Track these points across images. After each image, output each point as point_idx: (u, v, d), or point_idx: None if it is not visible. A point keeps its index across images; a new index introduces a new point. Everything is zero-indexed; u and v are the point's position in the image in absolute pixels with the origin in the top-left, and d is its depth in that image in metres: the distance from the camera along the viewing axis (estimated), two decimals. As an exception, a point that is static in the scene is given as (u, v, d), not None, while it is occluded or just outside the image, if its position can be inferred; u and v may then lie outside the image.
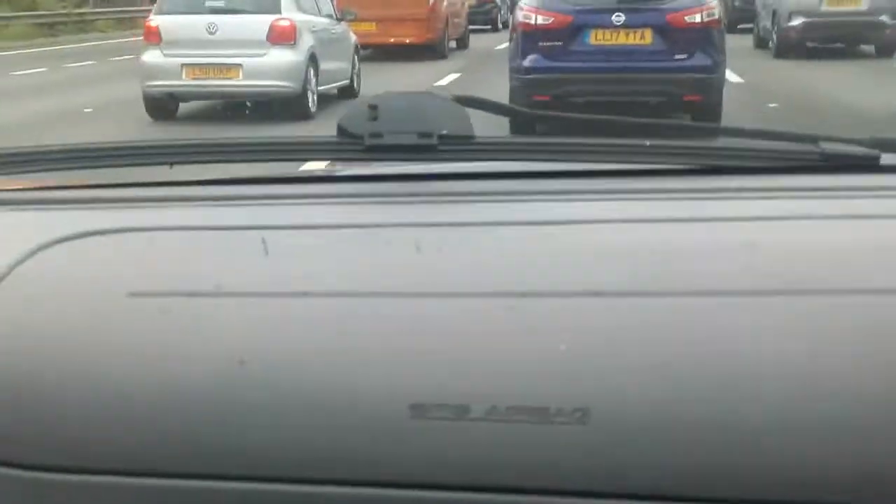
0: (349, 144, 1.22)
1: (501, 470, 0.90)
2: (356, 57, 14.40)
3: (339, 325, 0.97)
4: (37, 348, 0.98)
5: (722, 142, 1.35)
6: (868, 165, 1.23)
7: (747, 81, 13.84)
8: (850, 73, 15.79)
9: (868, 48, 18.65)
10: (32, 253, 1.06)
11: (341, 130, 1.22)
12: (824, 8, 18.25)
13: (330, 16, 13.74)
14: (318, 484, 0.93)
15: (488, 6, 30.97)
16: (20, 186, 1.32)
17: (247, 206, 1.22)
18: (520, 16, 10.20)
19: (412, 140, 1.19)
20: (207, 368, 0.95)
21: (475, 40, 25.03)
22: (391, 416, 0.91)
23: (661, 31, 9.65)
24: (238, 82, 11.81)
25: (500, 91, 10.86)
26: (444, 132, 1.19)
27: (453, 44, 22.46)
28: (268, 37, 11.85)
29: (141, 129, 11.32)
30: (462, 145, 1.21)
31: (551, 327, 0.94)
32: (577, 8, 9.80)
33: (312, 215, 1.20)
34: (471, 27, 26.12)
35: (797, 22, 18.32)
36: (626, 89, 9.74)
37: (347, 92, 13.75)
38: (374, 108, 1.20)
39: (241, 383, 0.94)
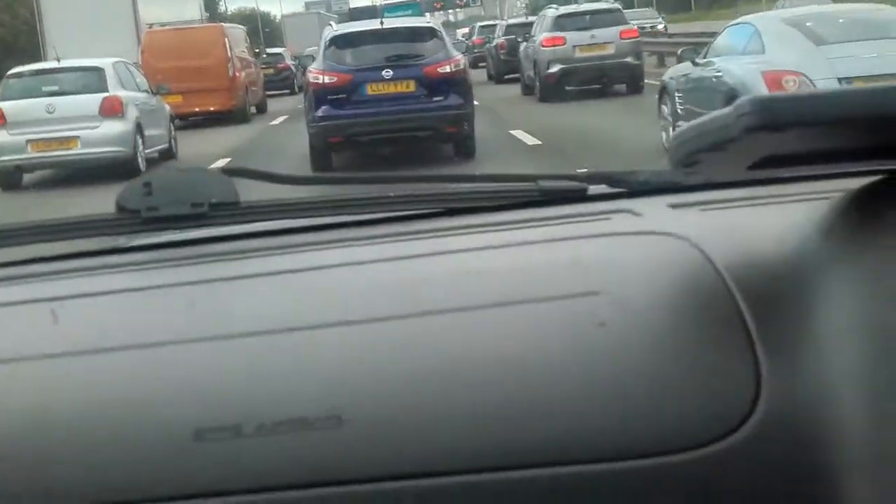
0: (128, 219, 1.37)
1: (272, 475, 1.02)
2: (172, 125, 16.87)
3: (129, 372, 1.11)
4: None
5: (462, 187, 1.57)
6: (577, 197, 1.48)
7: (544, 143, 14.40)
8: (612, 111, 18.12)
9: (620, 87, 21.53)
10: None
11: (119, 206, 1.36)
12: (578, 55, 20.89)
13: (146, 91, 16.10)
14: None
15: (285, 73, 34.90)
16: None
17: (38, 282, 1.36)
18: (310, 77, 12.90)
19: (186, 210, 1.35)
20: (19, 418, 1.07)
21: (276, 103, 27.75)
22: (178, 440, 1.03)
23: (421, 80, 12.47)
24: (77, 151, 14.13)
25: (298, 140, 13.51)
26: (214, 200, 1.36)
27: (254, 109, 24.85)
28: (100, 111, 14.20)
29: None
30: (230, 211, 1.38)
31: (315, 354, 1.10)
32: (354, 67, 12.52)
33: (98, 284, 1.34)
34: (271, 92, 29.47)
35: (555, 69, 20.88)
36: (400, 126, 12.41)
37: (167, 154, 16.16)
38: (147, 184, 1.36)
39: (48, 428, 1.06)
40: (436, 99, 12.45)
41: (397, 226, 1.44)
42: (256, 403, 1.05)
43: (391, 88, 12.48)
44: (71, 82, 14.68)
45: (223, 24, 26.33)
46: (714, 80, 10.90)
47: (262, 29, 70.02)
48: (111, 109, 14.24)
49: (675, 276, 1.19)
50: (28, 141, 13.98)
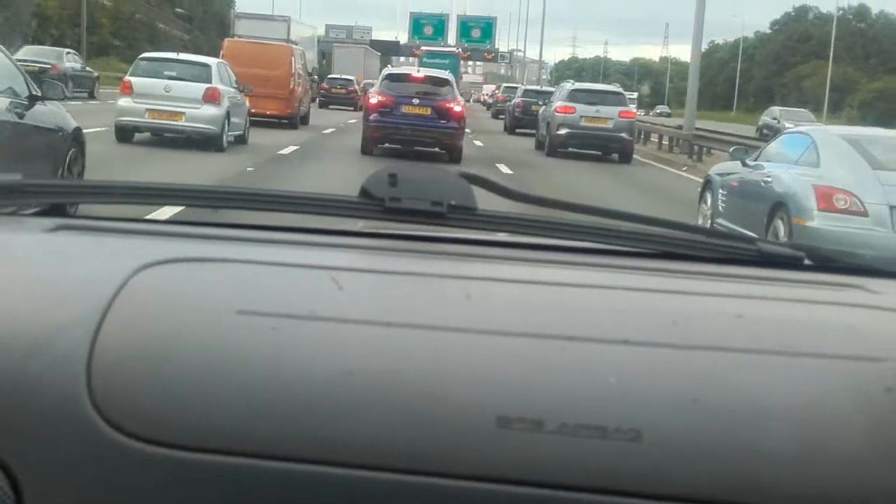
0: (371, 205, 1.41)
1: (567, 472, 1.07)
2: (248, 118, 21.97)
3: (425, 349, 1.15)
4: (166, 350, 1.14)
5: (674, 233, 1.57)
6: (796, 264, 1.51)
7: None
8: (609, 174, 23.03)
9: (615, 156, 26.86)
10: (134, 273, 1.23)
11: (364, 192, 1.42)
12: (583, 123, 26.17)
13: (235, 87, 21.10)
14: (412, 474, 1.08)
15: (353, 94, 47.89)
16: (107, 216, 1.51)
17: (296, 249, 1.42)
18: (369, 96, 21.93)
19: (426, 206, 1.40)
20: (320, 375, 1.12)
21: (338, 114, 37.34)
22: (481, 423, 1.09)
23: (435, 109, 20.93)
24: (182, 123, 19.08)
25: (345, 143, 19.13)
26: (453, 202, 1.41)
27: (299, 120, 29.97)
28: (203, 97, 19.10)
29: (110, 147, 18.19)
30: (467, 215, 1.42)
31: (604, 366, 1.14)
32: (396, 94, 20.98)
33: (358, 261, 1.41)
34: (340, 108, 43.13)
35: (563, 131, 26.27)
36: (418, 134, 20.88)
37: (240, 139, 21.12)
38: (393, 175, 1.41)
39: (350, 388, 1.11)
40: (441, 122, 20.94)
41: (620, 259, 1.48)
42: (558, 402, 1.10)
43: (416, 110, 20.89)
44: (185, 71, 19.63)
45: (292, 45, 31.40)
46: (762, 184, 10.95)
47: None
48: (212, 97, 19.14)
49: None
50: (146, 109, 18.86)
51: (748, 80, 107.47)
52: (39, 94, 10.03)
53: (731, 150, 14.06)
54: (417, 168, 1.46)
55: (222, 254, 1.33)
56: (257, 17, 50.07)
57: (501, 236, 1.55)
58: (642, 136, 34.41)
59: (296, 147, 22.12)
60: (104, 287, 1.20)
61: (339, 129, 29.93)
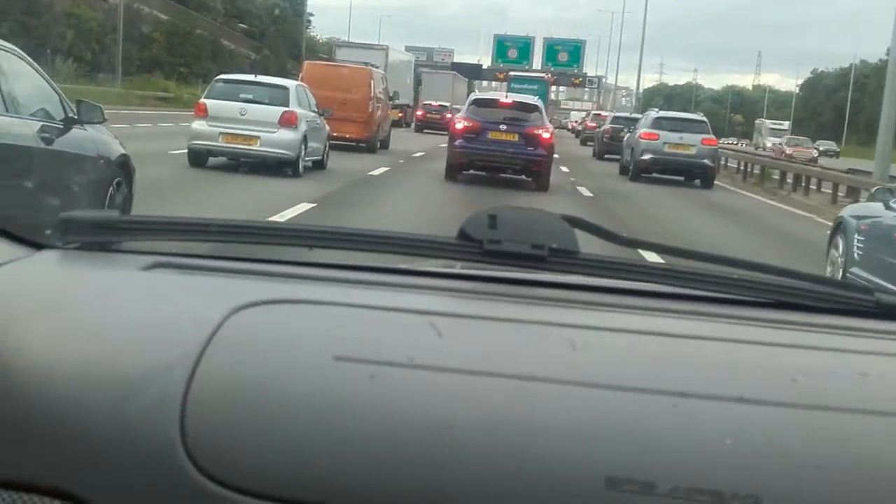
0: (470, 247, 1.40)
1: None
2: (328, 142, 21.77)
3: (528, 402, 1.10)
4: (261, 397, 1.11)
5: (788, 281, 1.49)
6: None
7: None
8: (695, 201, 22.93)
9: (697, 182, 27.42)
10: (229, 315, 1.22)
11: (463, 234, 1.40)
12: (666, 150, 27.17)
13: (315, 111, 20.91)
14: None
15: (447, 120, 49.12)
16: (198, 254, 1.52)
17: (400, 291, 1.40)
18: (455, 122, 21.69)
19: (526, 249, 1.38)
20: (419, 427, 1.08)
21: (430, 138, 38.89)
22: (590, 483, 1.03)
23: (523, 136, 20.53)
24: (257, 148, 18.77)
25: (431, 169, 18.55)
26: (554, 245, 1.39)
27: (378, 144, 29.81)
28: (279, 120, 18.84)
29: (183, 172, 18.11)
30: (569, 259, 1.40)
31: (720, 426, 1.08)
32: (483, 119, 20.69)
33: (453, 306, 1.37)
34: (435, 132, 45.37)
35: (647, 157, 27.26)
36: (504, 160, 20.63)
37: (318, 165, 20.90)
38: (493, 217, 1.40)
39: (450, 441, 1.07)
40: (529, 148, 20.53)
41: (731, 308, 1.44)
42: (670, 463, 1.05)
43: (503, 136, 20.54)
44: (262, 94, 19.39)
45: (372, 67, 31.39)
46: None
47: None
48: (288, 121, 18.86)
49: None
50: (220, 133, 18.63)
51: (858, 111, 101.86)
52: (76, 116, 8.95)
53: (872, 190, 12.02)
54: (517, 209, 1.45)
55: (318, 296, 1.33)
56: (357, 45, 56.04)
57: (605, 282, 1.49)
58: (796, 182, 28.82)
59: (312, 205, 14.53)
60: (200, 329, 1.20)
61: (398, 167, 25.31)
